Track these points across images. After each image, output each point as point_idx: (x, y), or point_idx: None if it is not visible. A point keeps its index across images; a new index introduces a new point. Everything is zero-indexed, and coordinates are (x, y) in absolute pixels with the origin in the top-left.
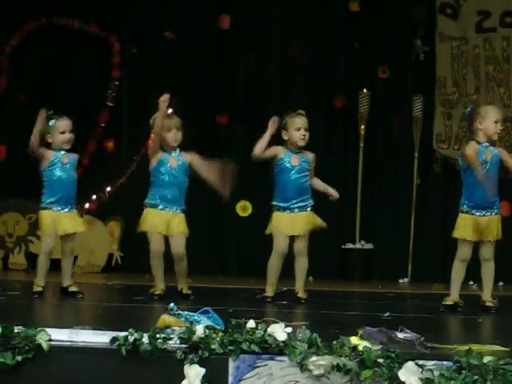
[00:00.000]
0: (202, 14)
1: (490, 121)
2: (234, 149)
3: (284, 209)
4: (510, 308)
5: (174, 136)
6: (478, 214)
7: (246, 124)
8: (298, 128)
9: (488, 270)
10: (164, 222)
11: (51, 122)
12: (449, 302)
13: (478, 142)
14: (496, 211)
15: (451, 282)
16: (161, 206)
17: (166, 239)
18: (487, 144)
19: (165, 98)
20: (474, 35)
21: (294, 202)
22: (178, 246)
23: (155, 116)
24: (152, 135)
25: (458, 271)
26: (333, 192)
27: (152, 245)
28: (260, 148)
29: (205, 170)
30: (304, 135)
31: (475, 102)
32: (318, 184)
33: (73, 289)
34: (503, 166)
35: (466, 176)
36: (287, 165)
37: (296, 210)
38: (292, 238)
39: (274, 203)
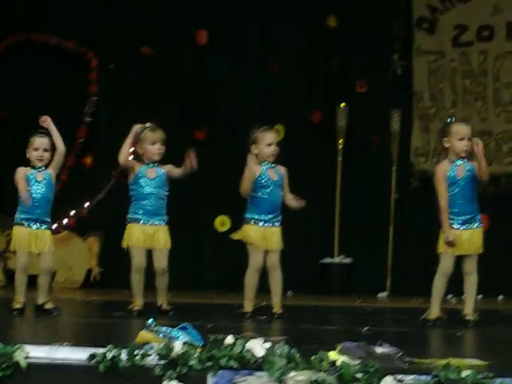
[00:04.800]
0: (180, 29)
1: (454, 139)
2: (213, 164)
3: (257, 222)
4: (489, 322)
5: (157, 150)
6: (458, 227)
7: (224, 139)
8: (268, 144)
9: (471, 284)
10: (147, 236)
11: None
12: (433, 316)
13: (451, 161)
14: (477, 224)
15: (432, 296)
16: (143, 220)
17: (149, 253)
18: (460, 161)
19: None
20: (450, 49)
21: (269, 216)
22: (161, 260)
23: (137, 128)
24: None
25: (439, 285)
26: (298, 203)
27: (134, 260)
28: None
29: (176, 170)
30: (274, 151)
31: (451, 117)
32: (290, 200)
33: (48, 306)
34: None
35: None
36: (264, 180)
37: (268, 225)
38: (265, 252)
39: (248, 216)
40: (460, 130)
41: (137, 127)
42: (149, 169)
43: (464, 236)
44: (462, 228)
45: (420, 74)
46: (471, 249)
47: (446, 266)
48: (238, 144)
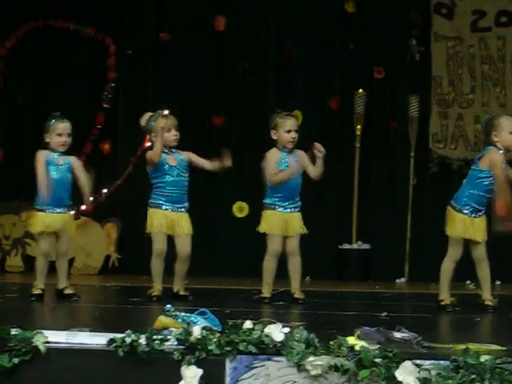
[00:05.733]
0: (198, 15)
1: (505, 132)
2: (231, 150)
3: (276, 208)
4: (507, 307)
5: (173, 136)
6: (470, 215)
7: (242, 125)
8: (288, 130)
9: (484, 270)
10: (169, 222)
11: (51, 122)
12: (448, 301)
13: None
14: (484, 212)
15: (442, 282)
16: (165, 207)
17: (169, 240)
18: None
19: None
20: (469, 35)
21: (287, 202)
22: (185, 246)
23: (147, 117)
24: (155, 141)
25: (448, 270)
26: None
27: (156, 245)
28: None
29: (205, 162)
30: (294, 138)
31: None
32: (318, 169)
33: (68, 291)
34: None
35: (475, 179)
36: (283, 166)
37: (288, 210)
38: (284, 238)
39: (267, 202)
40: (510, 123)
41: (148, 115)
42: (169, 156)
43: (473, 222)
44: (472, 215)
45: (438, 59)
46: (479, 236)
47: (454, 251)
48: (256, 129)
